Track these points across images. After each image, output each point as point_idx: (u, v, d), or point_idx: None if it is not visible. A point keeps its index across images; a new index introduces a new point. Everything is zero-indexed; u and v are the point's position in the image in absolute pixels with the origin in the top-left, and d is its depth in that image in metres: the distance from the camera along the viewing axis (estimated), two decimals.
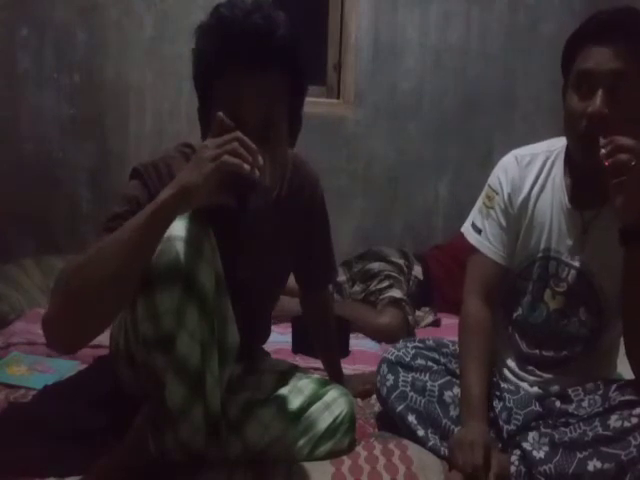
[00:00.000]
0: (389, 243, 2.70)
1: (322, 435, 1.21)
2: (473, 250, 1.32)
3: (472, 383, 1.21)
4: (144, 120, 2.79)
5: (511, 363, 1.34)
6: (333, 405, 1.24)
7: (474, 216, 1.33)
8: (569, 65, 1.16)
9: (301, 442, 1.20)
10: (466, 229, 1.34)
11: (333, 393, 1.26)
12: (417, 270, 2.48)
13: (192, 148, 1.14)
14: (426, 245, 2.77)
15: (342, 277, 2.43)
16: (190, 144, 1.15)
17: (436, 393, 1.30)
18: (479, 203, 1.33)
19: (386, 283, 2.31)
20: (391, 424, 1.35)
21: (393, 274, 2.36)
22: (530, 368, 1.31)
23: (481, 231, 1.30)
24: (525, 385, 1.31)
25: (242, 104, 0.99)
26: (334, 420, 1.22)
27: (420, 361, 1.36)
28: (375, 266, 2.41)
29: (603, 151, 1.02)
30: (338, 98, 2.87)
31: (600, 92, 1.08)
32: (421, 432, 1.28)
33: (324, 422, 1.22)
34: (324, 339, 1.50)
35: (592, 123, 1.09)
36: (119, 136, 2.79)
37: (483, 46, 2.87)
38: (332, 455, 1.22)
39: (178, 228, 0.99)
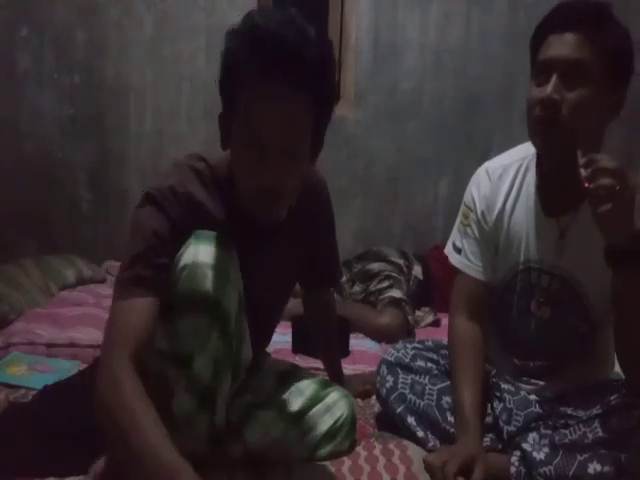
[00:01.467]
0: (389, 243, 2.70)
1: (322, 437, 1.21)
2: (456, 270, 1.32)
3: (464, 399, 1.20)
4: (144, 120, 2.80)
5: (505, 373, 1.33)
6: (334, 407, 1.23)
7: (454, 236, 1.33)
8: (533, 59, 1.16)
9: (301, 444, 1.19)
10: (448, 250, 1.34)
11: (334, 395, 1.26)
12: (417, 270, 2.48)
13: (206, 162, 1.08)
14: (426, 245, 2.77)
15: (342, 277, 2.43)
16: (203, 157, 1.09)
17: (434, 397, 1.29)
18: (457, 222, 1.33)
19: (386, 283, 2.31)
20: (391, 424, 1.35)
21: (393, 274, 2.36)
22: (524, 379, 1.31)
23: (461, 250, 1.30)
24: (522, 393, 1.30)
25: (268, 123, 0.94)
26: (335, 422, 1.22)
27: (420, 362, 1.36)
28: (375, 266, 2.41)
29: (583, 172, 0.99)
30: (338, 98, 2.87)
31: (553, 78, 1.08)
32: (421, 433, 1.28)
33: (324, 424, 1.21)
34: (325, 340, 1.49)
35: (544, 108, 1.09)
36: (119, 136, 2.79)
37: (483, 46, 2.87)
38: (332, 457, 1.22)
39: (204, 253, 0.98)
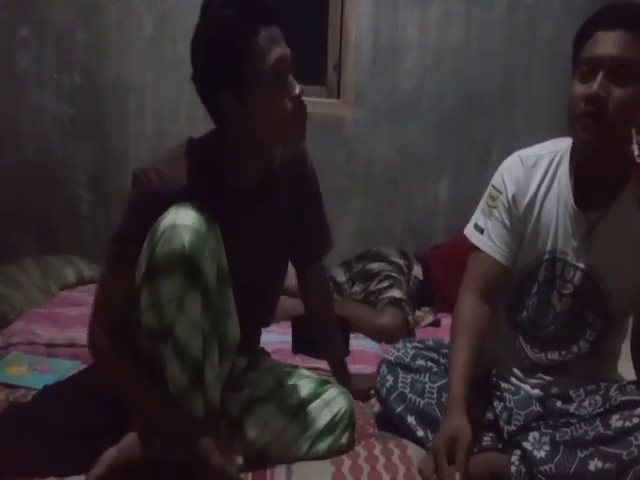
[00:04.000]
0: (389, 243, 2.69)
1: (321, 431, 1.22)
2: (474, 249, 1.30)
3: (453, 370, 1.19)
4: (144, 120, 2.79)
5: (513, 366, 1.33)
6: (332, 402, 1.25)
7: (477, 217, 1.32)
8: (577, 55, 1.16)
9: (301, 439, 1.21)
10: (468, 230, 1.32)
11: (332, 391, 1.27)
12: (417, 270, 2.47)
13: (192, 141, 1.17)
14: (426, 245, 2.77)
15: (342, 277, 2.43)
16: (191, 138, 1.18)
17: (435, 395, 1.29)
18: (482, 204, 1.32)
19: (386, 283, 2.31)
20: (391, 424, 1.35)
21: (393, 274, 2.36)
22: (533, 371, 1.30)
23: (483, 230, 1.29)
24: (527, 387, 1.30)
25: (286, 55, 1.09)
26: (333, 417, 1.24)
27: (420, 361, 1.36)
28: (375, 266, 2.40)
29: (637, 151, 1.01)
30: (338, 98, 2.87)
31: (600, 75, 1.09)
32: (421, 433, 1.28)
33: (323, 419, 1.23)
34: (325, 324, 1.48)
35: (590, 104, 1.09)
36: (119, 136, 2.79)
37: (483, 46, 2.87)
38: (331, 452, 1.23)
39: (185, 217, 1.02)
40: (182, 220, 1.02)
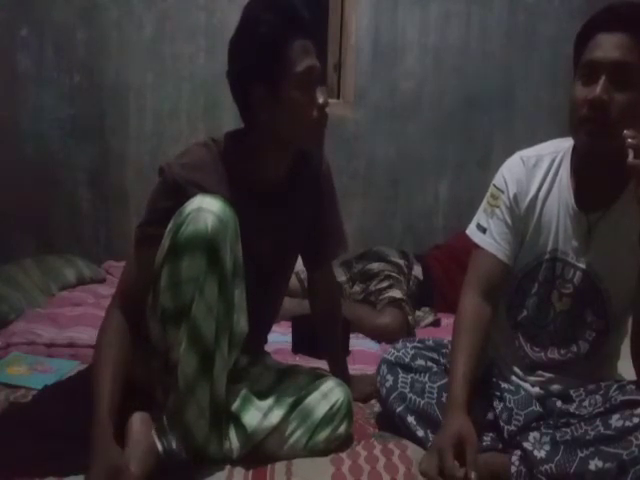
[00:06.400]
0: (389, 243, 2.69)
1: (319, 423, 1.23)
2: (477, 248, 1.30)
3: (455, 373, 1.19)
4: (144, 120, 2.79)
5: (513, 364, 1.33)
6: (330, 394, 1.26)
7: (479, 216, 1.32)
8: (578, 56, 1.16)
9: (299, 430, 1.22)
10: (471, 230, 1.32)
11: (329, 383, 1.29)
12: (417, 270, 2.47)
13: (215, 140, 1.22)
14: (426, 245, 2.77)
15: (342, 277, 2.43)
16: (213, 138, 1.23)
17: (435, 395, 1.29)
18: (484, 203, 1.32)
19: (386, 283, 2.31)
20: (391, 424, 1.35)
21: (393, 274, 2.36)
22: (532, 370, 1.30)
23: (486, 230, 1.29)
24: (527, 385, 1.30)
25: (316, 70, 1.18)
26: (331, 407, 1.25)
27: (420, 361, 1.36)
28: (375, 266, 2.40)
29: (630, 141, 1.01)
30: (338, 98, 2.87)
31: (602, 79, 1.08)
32: (421, 432, 1.28)
33: (321, 410, 1.24)
34: (329, 326, 1.49)
35: (593, 109, 1.09)
36: (119, 136, 2.79)
37: (483, 46, 2.87)
38: (330, 442, 1.24)
39: (210, 203, 1.07)
40: (207, 205, 1.07)
